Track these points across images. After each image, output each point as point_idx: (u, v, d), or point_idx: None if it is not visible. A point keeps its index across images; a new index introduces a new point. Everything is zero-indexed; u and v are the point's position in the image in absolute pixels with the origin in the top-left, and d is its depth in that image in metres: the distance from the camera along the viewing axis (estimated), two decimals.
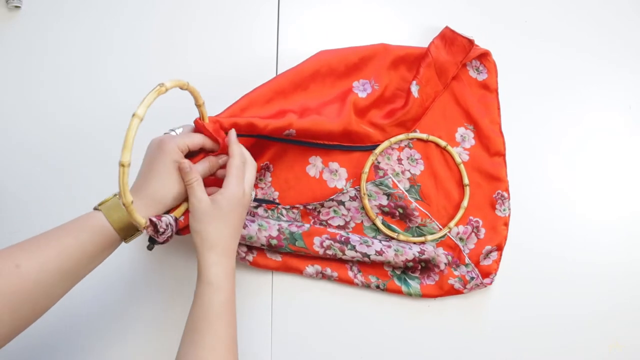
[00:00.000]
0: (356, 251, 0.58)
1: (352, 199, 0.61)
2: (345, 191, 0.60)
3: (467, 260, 0.60)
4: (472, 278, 0.59)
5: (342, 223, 0.61)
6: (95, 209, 0.45)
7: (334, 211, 0.61)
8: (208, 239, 0.46)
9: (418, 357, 0.60)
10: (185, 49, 0.66)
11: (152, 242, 0.48)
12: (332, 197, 0.60)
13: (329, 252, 0.57)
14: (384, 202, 0.61)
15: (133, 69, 0.65)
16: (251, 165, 0.51)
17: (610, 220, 0.64)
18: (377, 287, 0.59)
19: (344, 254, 0.57)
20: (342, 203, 0.61)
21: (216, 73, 0.65)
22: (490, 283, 0.60)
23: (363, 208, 0.61)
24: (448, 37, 0.63)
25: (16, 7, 0.65)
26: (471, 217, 0.62)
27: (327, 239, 0.58)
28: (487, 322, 0.61)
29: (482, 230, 0.62)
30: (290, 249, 0.57)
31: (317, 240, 0.57)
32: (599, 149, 0.66)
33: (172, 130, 0.51)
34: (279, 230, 0.57)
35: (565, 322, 0.61)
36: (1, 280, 0.39)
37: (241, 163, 0.49)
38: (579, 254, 0.63)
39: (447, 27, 0.63)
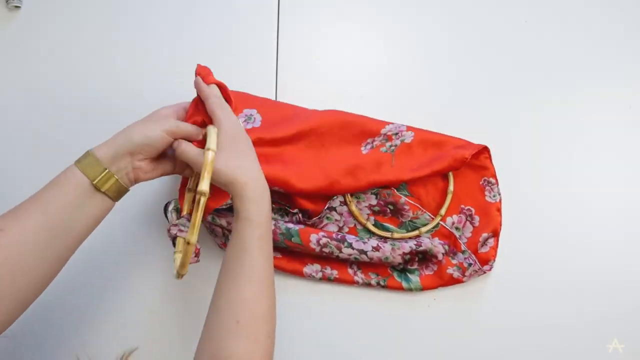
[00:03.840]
0: (353, 248, 0.57)
1: (342, 203, 0.61)
2: (334, 197, 0.60)
3: (463, 247, 0.61)
4: (470, 264, 0.59)
5: (336, 229, 0.61)
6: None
7: (327, 218, 0.61)
8: (234, 174, 0.46)
9: (418, 356, 0.60)
10: (186, 48, 0.66)
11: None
12: (324, 208, 0.60)
13: (325, 249, 0.57)
14: (373, 201, 0.61)
15: (133, 69, 0.65)
16: (226, 105, 0.52)
17: (610, 220, 0.64)
18: (378, 283, 0.59)
19: (340, 251, 0.57)
20: (333, 209, 0.61)
21: (216, 75, 0.65)
22: (490, 270, 0.60)
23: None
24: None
25: (16, 7, 0.65)
26: (462, 206, 0.62)
27: (323, 236, 0.58)
28: (487, 322, 0.61)
29: (476, 218, 0.62)
30: (285, 244, 0.57)
31: (313, 237, 0.57)
32: (598, 149, 0.66)
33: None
34: (275, 225, 0.57)
35: (565, 323, 0.61)
36: None
37: (217, 99, 0.51)
38: (579, 254, 0.63)
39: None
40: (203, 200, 0.44)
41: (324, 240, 0.57)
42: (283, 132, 0.58)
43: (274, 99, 0.65)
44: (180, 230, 0.52)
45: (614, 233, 0.63)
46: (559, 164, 0.65)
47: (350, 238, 0.58)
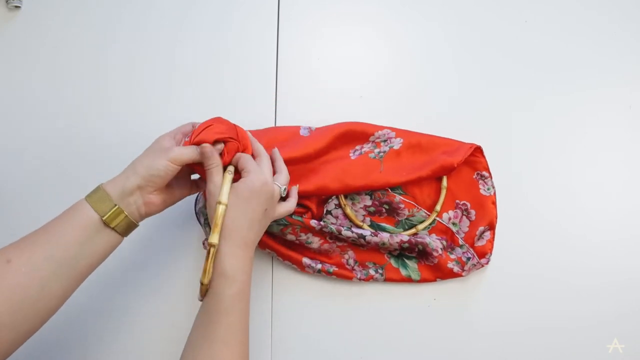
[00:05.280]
0: (352, 232, 0.58)
1: (337, 206, 0.61)
2: (329, 200, 0.60)
3: (460, 241, 0.61)
4: (469, 258, 0.60)
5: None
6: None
7: (324, 221, 0.60)
8: (223, 227, 0.45)
9: (419, 356, 0.60)
10: (186, 49, 0.66)
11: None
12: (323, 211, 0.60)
13: (325, 229, 0.58)
14: (368, 202, 0.61)
15: (133, 69, 0.65)
16: (265, 157, 0.50)
17: (610, 220, 0.64)
18: (376, 272, 0.59)
19: (340, 233, 0.58)
20: (329, 212, 0.61)
21: (216, 74, 0.65)
22: (487, 263, 0.60)
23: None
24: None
25: (16, 7, 0.65)
26: (458, 201, 0.62)
27: (323, 221, 0.58)
28: (487, 323, 0.61)
29: (472, 212, 0.62)
30: (285, 220, 0.57)
31: (314, 222, 0.58)
32: (598, 149, 0.66)
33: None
34: None
35: (566, 323, 0.61)
36: None
37: (261, 154, 0.50)
38: (579, 254, 0.63)
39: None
40: (213, 250, 0.44)
41: (325, 221, 0.58)
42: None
43: (273, 99, 0.65)
44: None
45: (614, 233, 0.63)
46: (560, 164, 0.65)
47: (349, 224, 0.59)
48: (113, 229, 0.45)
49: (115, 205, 0.44)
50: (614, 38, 0.69)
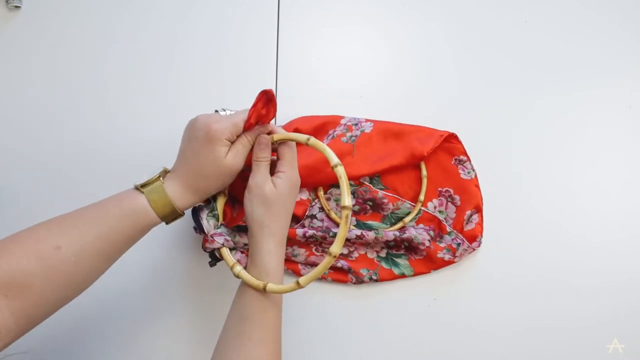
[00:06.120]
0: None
1: (321, 209, 0.61)
2: (313, 204, 0.60)
3: (448, 228, 0.61)
4: (459, 244, 0.60)
5: (320, 234, 0.61)
6: (136, 188, 0.44)
7: (311, 226, 0.60)
8: (269, 227, 0.45)
9: (419, 356, 0.60)
10: (186, 48, 0.66)
11: (214, 260, 0.48)
12: (306, 214, 0.60)
13: (311, 239, 0.58)
14: (352, 201, 0.61)
15: (133, 69, 0.65)
16: (294, 146, 0.50)
17: (610, 220, 0.64)
18: (370, 279, 0.59)
19: (325, 240, 0.58)
20: (314, 216, 0.61)
21: (216, 74, 0.65)
22: (479, 246, 0.60)
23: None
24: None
25: (16, 7, 0.65)
26: (440, 189, 0.63)
27: (310, 229, 0.58)
28: (487, 323, 0.61)
29: (457, 197, 0.62)
30: None
31: (299, 231, 0.57)
32: (598, 149, 0.66)
33: (223, 109, 0.48)
34: None
35: (566, 323, 0.61)
36: (43, 263, 0.39)
37: (294, 147, 0.48)
38: (580, 255, 0.63)
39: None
40: (348, 213, 0.42)
41: (310, 232, 0.58)
42: None
43: None
44: (227, 240, 0.49)
45: (614, 233, 0.63)
46: (560, 164, 0.65)
47: (336, 228, 0.59)
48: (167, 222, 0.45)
49: (182, 213, 0.45)
50: (614, 38, 0.69)
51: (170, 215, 0.44)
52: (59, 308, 0.41)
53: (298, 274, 0.59)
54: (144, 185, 0.44)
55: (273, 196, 0.45)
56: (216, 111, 0.49)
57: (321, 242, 0.59)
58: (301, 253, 0.59)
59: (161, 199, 0.43)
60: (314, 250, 0.59)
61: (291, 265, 0.59)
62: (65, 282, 0.40)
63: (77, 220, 0.42)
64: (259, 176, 0.45)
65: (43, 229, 0.41)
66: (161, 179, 0.44)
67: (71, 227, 0.41)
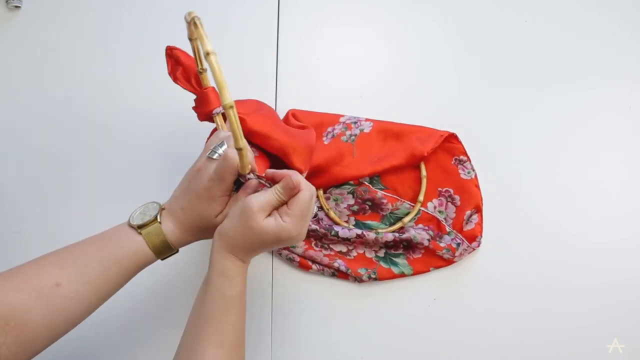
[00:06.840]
0: (339, 237, 0.59)
1: (320, 208, 0.61)
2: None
3: (447, 228, 0.61)
4: (459, 244, 0.60)
5: (320, 234, 0.61)
6: (131, 226, 0.44)
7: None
8: (235, 246, 0.43)
9: (419, 356, 0.60)
10: (187, 48, 0.66)
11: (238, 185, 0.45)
12: None
13: (312, 233, 0.59)
14: (351, 201, 0.62)
15: (133, 68, 0.65)
16: (314, 202, 0.46)
17: (610, 220, 0.64)
18: (369, 277, 0.60)
19: (326, 237, 0.59)
20: (314, 216, 0.61)
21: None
22: (478, 246, 0.60)
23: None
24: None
25: (16, 7, 0.65)
26: (440, 189, 0.63)
27: (313, 225, 0.58)
28: (488, 323, 0.61)
29: (456, 197, 0.62)
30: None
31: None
32: (598, 149, 0.66)
33: (214, 152, 0.45)
34: None
35: (566, 323, 0.61)
36: (42, 301, 0.39)
37: (311, 198, 0.42)
38: (580, 255, 0.63)
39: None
40: (232, 111, 0.37)
41: (314, 227, 0.58)
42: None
43: (273, 99, 0.65)
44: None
45: (614, 233, 0.63)
46: (560, 164, 0.65)
47: (337, 227, 0.59)
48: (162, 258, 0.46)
49: (177, 250, 0.46)
50: (614, 38, 0.69)
51: (167, 252, 0.46)
52: (53, 342, 0.41)
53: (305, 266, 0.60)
54: (141, 227, 0.44)
55: (260, 230, 0.41)
56: (210, 156, 0.45)
57: (321, 238, 0.59)
58: (300, 245, 0.59)
59: (160, 241, 0.44)
60: (313, 245, 0.59)
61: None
62: (63, 319, 0.40)
63: (77, 256, 0.42)
64: (263, 201, 0.42)
65: (43, 264, 0.41)
66: (158, 218, 0.45)
67: (71, 264, 0.42)
